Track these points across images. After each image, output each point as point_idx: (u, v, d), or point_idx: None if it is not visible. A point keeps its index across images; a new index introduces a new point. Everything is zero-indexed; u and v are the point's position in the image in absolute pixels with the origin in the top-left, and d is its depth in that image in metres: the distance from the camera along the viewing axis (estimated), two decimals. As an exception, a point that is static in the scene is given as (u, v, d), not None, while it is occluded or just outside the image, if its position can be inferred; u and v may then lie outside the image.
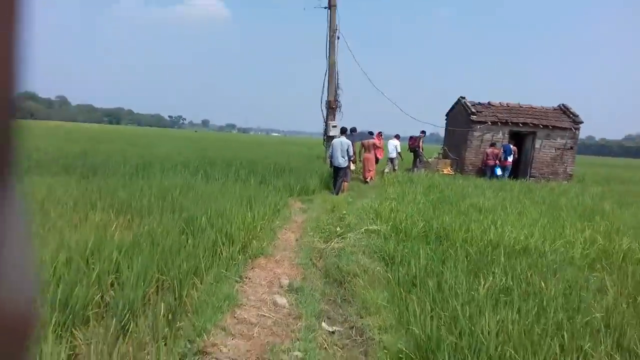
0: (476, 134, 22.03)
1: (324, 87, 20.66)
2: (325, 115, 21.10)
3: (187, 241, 6.28)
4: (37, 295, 0.31)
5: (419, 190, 13.61)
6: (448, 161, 22.46)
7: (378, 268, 6.50)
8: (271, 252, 7.17)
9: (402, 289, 5.44)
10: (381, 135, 20.23)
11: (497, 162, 20.59)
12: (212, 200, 8.96)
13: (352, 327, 5.03)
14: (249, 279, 5.91)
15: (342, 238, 8.32)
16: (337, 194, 14.16)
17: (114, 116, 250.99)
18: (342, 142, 14.22)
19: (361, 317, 5.18)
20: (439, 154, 22.96)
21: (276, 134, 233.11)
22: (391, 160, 21.26)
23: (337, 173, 14.38)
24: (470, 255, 6.66)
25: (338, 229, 8.98)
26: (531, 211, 10.44)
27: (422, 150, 22.38)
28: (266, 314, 4.90)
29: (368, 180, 17.47)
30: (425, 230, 8.21)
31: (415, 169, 21.44)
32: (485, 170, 20.90)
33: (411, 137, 22.71)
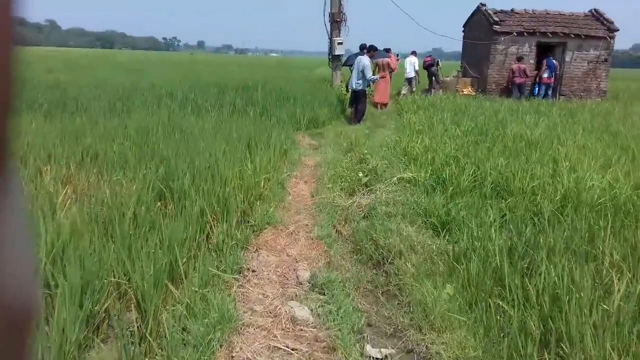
0: (500, 47, 19.62)
1: (326, -5, 18.11)
2: (329, 30, 18.62)
3: (164, 215, 4.48)
4: (38, 289, 0.30)
5: (446, 118, 11.63)
6: (468, 80, 20.20)
7: (429, 242, 4.72)
8: (281, 218, 5.38)
9: (480, 290, 3.68)
10: (398, 57, 17.96)
11: (526, 79, 18.38)
12: (201, 144, 7.05)
13: (411, 351, 3.34)
14: (253, 271, 4.15)
15: (369, 190, 6.51)
16: (356, 122, 12.46)
17: (107, 40, 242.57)
18: (357, 62, 12.43)
19: (421, 332, 3.47)
20: (457, 71, 20.60)
21: (275, 54, 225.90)
22: (409, 80, 19.01)
23: (355, 98, 12.60)
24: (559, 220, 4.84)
25: (361, 175, 7.15)
26: (593, 143, 8.53)
27: (440, 68, 20.04)
28: (281, 344, 3.16)
29: (379, 105, 15.43)
30: (477, 179, 6.37)
31: (433, 90, 19.26)
32: (512, 89, 18.71)
33: (428, 56, 20.39)
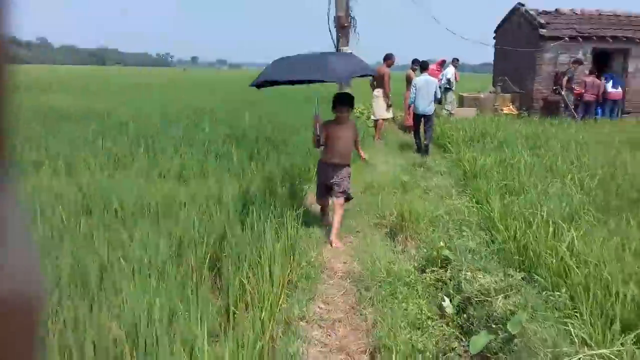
0: (547, 55, 15.90)
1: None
2: (334, 38, 14.73)
3: None
4: (43, 283, 0.30)
5: (522, 153, 7.81)
6: (508, 96, 16.43)
7: None
8: None
9: None
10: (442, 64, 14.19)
11: (597, 96, 14.62)
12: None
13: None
14: None
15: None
16: (425, 152, 10.36)
17: (99, 57, 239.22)
18: (427, 82, 10.37)
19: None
20: (496, 86, 16.79)
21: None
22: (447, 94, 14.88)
23: (425, 123, 10.50)
24: None
25: (449, 312, 3.33)
26: None
27: (456, 81, 15.81)
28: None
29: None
30: None
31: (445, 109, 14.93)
32: (576, 109, 14.76)
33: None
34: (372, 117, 12.17)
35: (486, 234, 5.03)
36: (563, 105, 15.04)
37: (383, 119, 11.69)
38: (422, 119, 10.48)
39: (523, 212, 5.11)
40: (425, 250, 4.70)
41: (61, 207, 4.61)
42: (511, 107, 16.07)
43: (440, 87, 13.99)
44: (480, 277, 3.89)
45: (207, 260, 3.70)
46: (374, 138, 11.40)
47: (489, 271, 4.04)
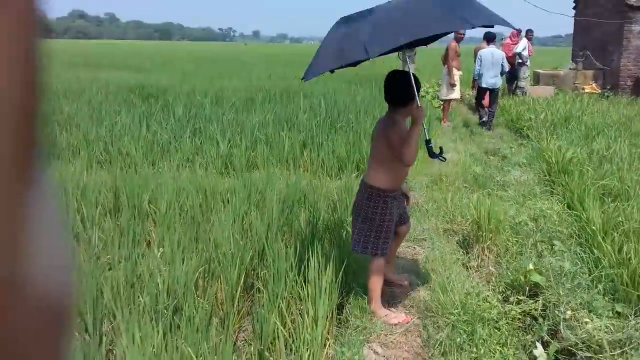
0: (637, 27, 14.16)
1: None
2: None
3: None
4: (74, 283, 0.30)
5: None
6: (590, 73, 14.83)
7: None
8: None
9: None
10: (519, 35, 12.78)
11: None
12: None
13: None
14: None
15: None
16: (488, 128, 10.15)
17: (164, 32, 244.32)
18: (493, 54, 10.04)
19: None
20: (577, 61, 15.16)
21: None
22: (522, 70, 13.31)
23: (489, 97, 10.32)
24: None
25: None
26: None
27: (530, 56, 13.85)
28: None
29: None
30: None
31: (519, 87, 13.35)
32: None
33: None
34: (440, 97, 11.12)
35: (585, 252, 4.08)
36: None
37: (447, 100, 10.60)
38: (488, 92, 10.25)
39: (632, 225, 4.13)
40: (508, 272, 3.83)
41: (84, 205, 4.06)
42: (594, 85, 14.48)
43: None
44: (584, 319, 3.01)
45: (239, 288, 3.02)
46: (440, 121, 10.38)
47: (595, 310, 3.15)
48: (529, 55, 13.22)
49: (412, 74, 3.17)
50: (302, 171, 6.14)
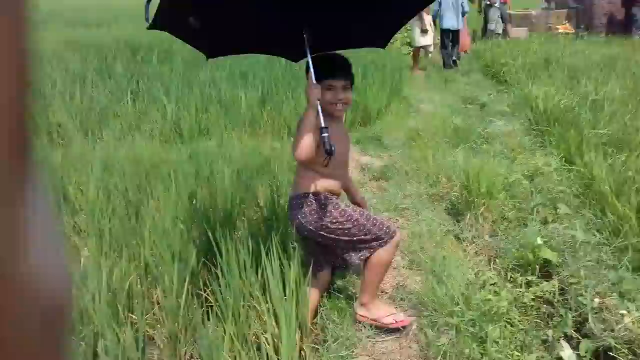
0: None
1: None
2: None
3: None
4: (71, 281, 0.30)
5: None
6: (563, 12, 14.18)
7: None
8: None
9: None
10: None
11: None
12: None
13: None
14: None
15: None
16: (454, 65, 10.06)
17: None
18: None
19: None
20: (549, 0, 14.44)
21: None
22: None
23: (452, 38, 10.00)
24: None
25: None
26: None
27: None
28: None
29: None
30: None
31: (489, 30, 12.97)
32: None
33: None
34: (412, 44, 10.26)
35: (597, 217, 3.49)
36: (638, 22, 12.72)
37: (418, 47, 9.83)
38: (450, 34, 9.94)
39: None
40: (510, 246, 3.21)
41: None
42: (567, 25, 13.88)
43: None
44: (619, 310, 2.42)
45: (184, 298, 2.31)
46: (411, 70, 9.62)
47: (628, 294, 2.56)
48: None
49: None
50: (263, 133, 5.39)
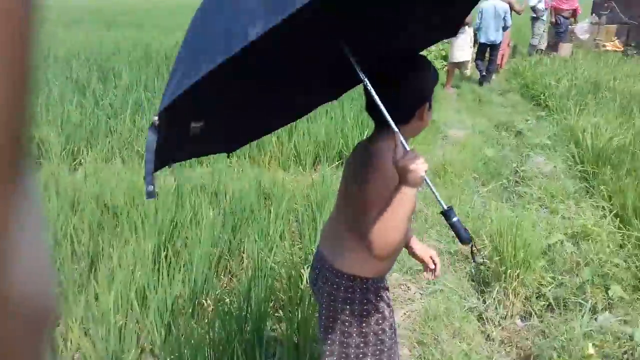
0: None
1: None
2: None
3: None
4: (56, 288, 0.29)
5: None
6: (613, 28, 13.18)
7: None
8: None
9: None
10: None
11: None
12: None
13: None
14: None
15: None
16: (487, 82, 9.46)
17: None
18: (495, 6, 8.95)
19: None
20: (600, 14, 13.43)
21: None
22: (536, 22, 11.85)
23: (490, 53, 9.49)
24: None
25: None
26: None
27: (546, 9, 11.95)
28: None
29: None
30: None
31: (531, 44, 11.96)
32: None
33: None
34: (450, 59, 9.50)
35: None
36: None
37: (454, 63, 9.10)
38: (488, 49, 9.45)
39: None
40: (549, 344, 2.52)
41: None
42: (616, 42, 12.88)
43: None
44: None
45: None
46: (443, 86, 8.90)
47: None
48: (546, 8, 11.57)
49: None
50: (268, 162, 4.80)
